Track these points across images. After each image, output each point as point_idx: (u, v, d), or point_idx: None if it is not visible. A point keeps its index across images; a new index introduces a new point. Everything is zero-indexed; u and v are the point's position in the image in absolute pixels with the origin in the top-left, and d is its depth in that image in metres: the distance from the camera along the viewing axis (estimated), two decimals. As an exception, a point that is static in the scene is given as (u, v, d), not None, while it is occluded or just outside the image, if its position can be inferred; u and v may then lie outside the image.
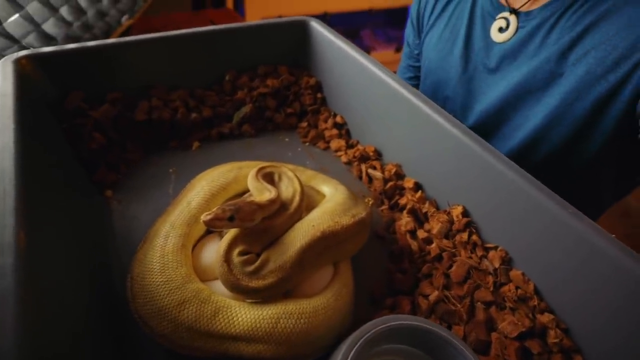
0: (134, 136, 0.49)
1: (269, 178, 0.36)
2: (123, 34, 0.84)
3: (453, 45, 0.61)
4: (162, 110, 0.50)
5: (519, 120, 0.54)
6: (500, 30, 0.54)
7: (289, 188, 0.35)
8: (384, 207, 0.45)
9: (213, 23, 1.00)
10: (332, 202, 0.35)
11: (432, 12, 0.66)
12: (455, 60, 0.60)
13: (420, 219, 0.42)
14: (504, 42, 0.54)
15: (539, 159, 0.54)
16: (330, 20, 1.99)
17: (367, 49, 2.25)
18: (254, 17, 1.71)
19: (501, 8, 0.54)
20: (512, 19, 0.53)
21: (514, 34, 0.52)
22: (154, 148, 0.51)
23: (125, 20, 0.80)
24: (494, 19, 0.55)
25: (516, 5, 0.52)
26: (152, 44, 0.50)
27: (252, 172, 0.35)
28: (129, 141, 0.49)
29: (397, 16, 2.46)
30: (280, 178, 0.36)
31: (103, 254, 0.38)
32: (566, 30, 0.48)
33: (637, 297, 0.27)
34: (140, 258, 0.31)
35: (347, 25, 2.32)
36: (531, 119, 0.52)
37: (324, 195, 0.38)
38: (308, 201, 0.36)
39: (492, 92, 0.56)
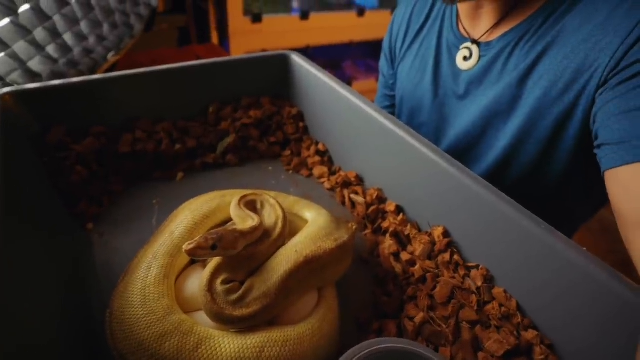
0: (117, 168, 0.49)
1: (252, 206, 0.36)
2: (109, 70, 0.86)
3: (424, 74, 0.65)
4: (146, 142, 0.51)
5: (489, 142, 0.57)
6: (465, 58, 0.58)
7: (271, 215, 0.35)
8: (367, 231, 0.46)
9: (199, 58, 1.03)
10: (314, 227, 0.35)
11: (402, 44, 0.70)
12: (426, 88, 0.64)
13: (403, 241, 0.43)
14: (469, 70, 0.58)
15: (512, 178, 0.56)
16: (312, 52, 2.08)
17: (349, 80, 2.33)
18: (238, 51, 1.77)
19: (463, 39, 0.59)
20: (474, 48, 0.57)
21: (477, 62, 0.56)
22: (138, 180, 0.51)
23: (111, 57, 0.82)
24: (459, 49, 0.59)
25: (476, 37, 0.57)
26: (136, 79, 0.51)
27: (235, 201, 0.36)
28: (112, 173, 0.49)
29: (377, 48, 2.56)
30: (262, 205, 0.37)
31: (83, 290, 0.37)
32: (522, 58, 0.52)
33: (614, 309, 0.28)
34: (121, 291, 0.31)
35: (329, 57, 2.42)
36: (500, 139, 0.55)
37: (306, 221, 0.39)
38: (291, 227, 0.37)
39: (463, 117, 0.59)
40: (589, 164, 0.48)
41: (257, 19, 1.75)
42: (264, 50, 1.93)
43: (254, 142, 0.56)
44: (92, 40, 0.73)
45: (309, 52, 2.02)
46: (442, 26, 0.63)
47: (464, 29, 0.59)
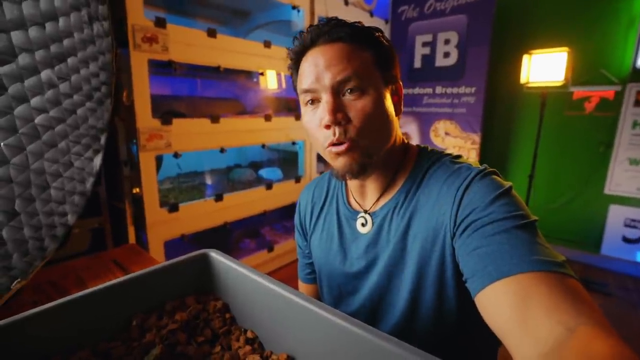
0: None
1: None
2: (12, 298, 0.80)
3: (331, 243, 0.79)
4: (60, 381, 0.47)
5: (395, 291, 0.68)
6: (363, 225, 0.74)
7: None
8: (308, 416, 0.46)
9: (117, 263, 1.04)
10: None
11: (310, 221, 0.86)
12: (335, 254, 0.77)
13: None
14: (367, 233, 0.73)
15: (421, 323, 0.65)
16: (231, 227, 2.21)
17: (270, 244, 2.46)
18: (157, 242, 1.79)
19: (355, 212, 0.76)
20: (367, 217, 0.73)
21: (372, 227, 0.72)
22: None
23: (15, 285, 0.79)
24: (355, 220, 0.75)
25: (367, 208, 0.74)
26: (43, 317, 0.49)
27: None
28: None
29: (288, 210, 2.86)
30: None
31: None
32: (398, 223, 0.69)
33: None
34: None
35: (247, 227, 2.58)
36: (403, 287, 0.67)
37: None
38: None
39: (371, 275, 0.71)
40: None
41: (174, 208, 1.87)
42: (182, 235, 2.00)
43: (182, 347, 0.56)
44: (-3, 274, 0.71)
45: (227, 228, 2.15)
46: (337, 204, 0.81)
47: (357, 202, 0.77)
